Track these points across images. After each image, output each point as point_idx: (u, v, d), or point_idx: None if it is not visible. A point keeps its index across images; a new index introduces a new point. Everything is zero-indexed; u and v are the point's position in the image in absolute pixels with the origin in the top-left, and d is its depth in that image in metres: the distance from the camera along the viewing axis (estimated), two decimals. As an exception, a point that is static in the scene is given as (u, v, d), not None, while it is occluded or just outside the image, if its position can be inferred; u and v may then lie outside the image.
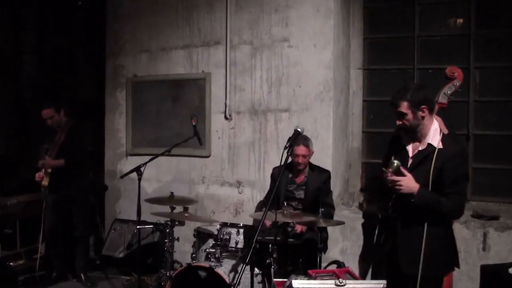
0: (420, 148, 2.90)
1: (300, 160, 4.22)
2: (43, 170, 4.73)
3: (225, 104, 5.18)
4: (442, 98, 3.69)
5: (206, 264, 3.72)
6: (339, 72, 4.90)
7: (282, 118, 4.95)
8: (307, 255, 3.95)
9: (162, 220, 4.44)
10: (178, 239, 4.38)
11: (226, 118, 5.20)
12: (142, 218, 4.14)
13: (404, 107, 2.83)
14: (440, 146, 2.83)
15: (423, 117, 2.85)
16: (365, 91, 5.22)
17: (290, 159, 3.99)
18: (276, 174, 4.41)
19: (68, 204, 4.87)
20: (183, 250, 5.08)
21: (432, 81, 4.76)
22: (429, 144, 2.86)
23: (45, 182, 4.70)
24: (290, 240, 3.99)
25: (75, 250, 4.97)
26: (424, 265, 2.81)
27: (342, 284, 2.59)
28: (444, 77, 3.78)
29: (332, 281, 2.62)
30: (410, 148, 2.95)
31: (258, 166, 5.07)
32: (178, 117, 5.38)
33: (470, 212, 4.53)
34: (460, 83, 3.70)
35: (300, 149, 4.20)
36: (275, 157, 4.86)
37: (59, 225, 4.90)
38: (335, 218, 4.39)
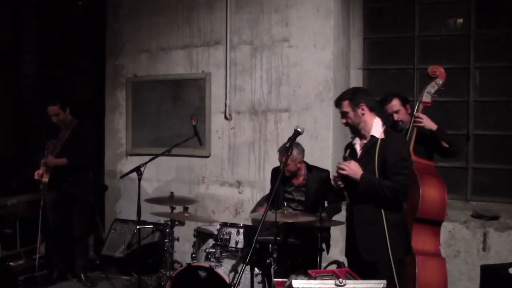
0: (365, 142, 3.15)
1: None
2: (43, 168, 4.72)
3: (225, 104, 5.18)
4: (425, 97, 3.72)
5: (206, 264, 3.72)
6: (339, 72, 4.90)
7: (282, 118, 4.95)
8: (307, 255, 3.95)
9: (162, 220, 4.43)
10: (178, 239, 4.38)
11: (226, 118, 5.20)
12: (142, 218, 4.14)
13: (344, 106, 3.14)
14: (382, 136, 3.08)
15: (363, 114, 3.10)
16: (365, 91, 5.22)
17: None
18: (275, 174, 4.42)
19: (68, 203, 4.87)
20: (183, 250, 5.08)
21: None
22: (372, 136, 3.10)
23: (45, 179, 4.69)
24: (290, 240, 3.99)
25: (75, 250, 4.96)
26: (392, 250, 2.98)
27: (342, 284, 2.59)
28: (426, 76, 3.81)
29: (332, 281, 2.62)
30: (357, 146, 3.20)
31: (258, 166, 5.07)
32: (178, 117, 5.38)
33: (470, 212, 4.53)
34: (443, 81, 3.72)
35: (282, 158, 4.15)
36: (275, 157, 4.83)
37: (60, 225, 4.90)
38: (335, 218, 4.38)
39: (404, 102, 3.90)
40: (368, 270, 2.93)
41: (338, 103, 3.20)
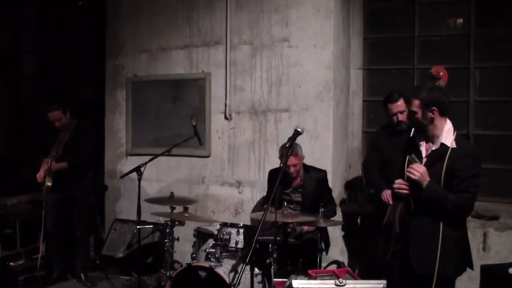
0: (433, 148, 2.92)
1: (292, 170, 4.18)
2: (45, 171, 4.71)
3: (225, 104, 5.18)
4: None
5: (206, 264, 3.72)
6: (339, 72, 4.90)
7: (282, 118, 4.95)
8: (307, 255, 3.95)
9: (162, 220, 4.44)
10: (178, 239, 4.38)
11: (226, 118, 5.20)
12: (142, 218, 4.14)
13: (414, 105, 2.88)
14: (454, 145, 2.84)
15: (432, 118, 2.86)
16: (365, 91, 5.22)
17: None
18: (273, 176, 4.40)
19: (69, 203, 4.88)
20: (183, 250, 5.08)
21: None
22: (442, 144, 2.87)
23: (48, 183, 4.68)
24: (290, 240, 3.99)
25: (75, 250, 4.97)
26: (439, 265, 2.82)
27: (342, 284, 2.59)
28: (430, 77, 3.80)
29: (332, 281, 2.63)
30: (423, 148, 2.96)
31: (258, 166, 5.07)
32: (178, 117, 5.38)
33: (470, 212, 4.53)
34: (446, 83, 3.72)
35: (290, 160, 4.09)
36: (275, 157, 4.84)
37: (60, 225, 4.90)
38: (335, 218, 4.39)
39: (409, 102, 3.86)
40: (419, 282, 2.83)
41: (408, 100, 2.99)
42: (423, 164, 2.90)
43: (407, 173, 2.86)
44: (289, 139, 3.23)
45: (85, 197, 5.01)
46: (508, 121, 4.73)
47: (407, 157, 2.96)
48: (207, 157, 5.30)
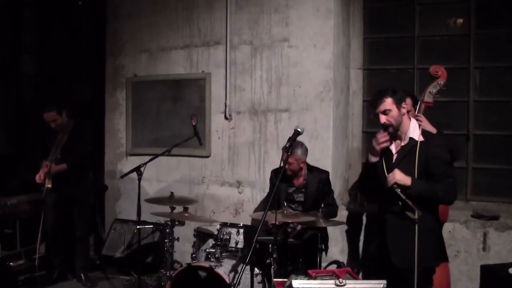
0: (402, 144, 3.04)
1: (286, 167, 4.18)
2: (44, 173, 4.70)
3: (225, 104, 5.18)
4: (427, 97, 3.71)
5: (206, 264, 3.72)
6: (339, 72, 4.90)
7: (282, 118, 4.95)
8: (307, 255, 3.95)
9: (162, 220, 4.44)
10: (178, 239, 4.38)
11: (226, 118, 5.20)
12: (142, 218, 4.14)
13: (388, 103, 2.98)
14: (421, 139, 2.99)
15: (403, 114, 3.02)
16: (365, 91, 5.22)
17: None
18: (274, 176, 4.40)
19: (69, 203, 4.88)
20: (183, 250, 5.08)
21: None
22: (411, 138, 3.01)
23: (48, 185, 4.67)
24: (290, 240, 3.99)
25: (75, 250, 4.97)
26: (418, 256, 2.90)
27: (342, 284, 2.59)
28: (428, 76, 3.80)
29: (332, 281, 2.63)
30: (393, 147, 3.08)
31: (258, 166, 5.07)
32: (178, 117, 5.38)
33: (470, 212, 4.53)
34: (444, 81, 3.73)
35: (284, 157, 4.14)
36: (275, 157, 4.86)
37: (60, 225, 4.90)
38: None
39: (415, 102, 3.85)
40: (398, 275, 2.88)
41: (378, 101, 2.98)
42: (394, 160, 3.04)
43: (388, 184, 2.94)
44: (289, 139, 3.23)
45: (85, 197, 5.01)
46: (508, 121, 4.72)
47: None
48: (207, 157, 5.30)
